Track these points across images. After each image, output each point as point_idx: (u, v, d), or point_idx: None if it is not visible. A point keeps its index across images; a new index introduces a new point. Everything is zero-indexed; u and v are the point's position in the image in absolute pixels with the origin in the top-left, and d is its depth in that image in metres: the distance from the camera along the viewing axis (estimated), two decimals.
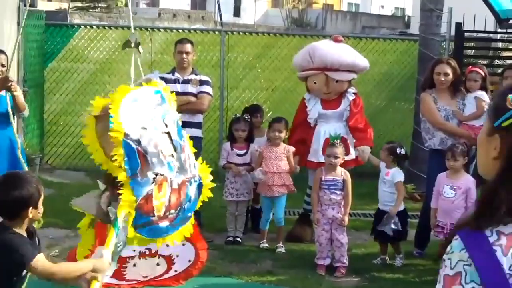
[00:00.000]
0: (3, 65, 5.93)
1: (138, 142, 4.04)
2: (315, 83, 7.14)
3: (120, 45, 10.37)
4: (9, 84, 5.72)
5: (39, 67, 10.10)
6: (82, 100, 10.43)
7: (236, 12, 42.20)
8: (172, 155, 4.18)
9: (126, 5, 38.27)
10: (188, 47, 7.06)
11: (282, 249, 6.77)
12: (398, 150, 6.44)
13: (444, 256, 1.65)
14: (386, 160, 6.48)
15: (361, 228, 7.43)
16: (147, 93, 4.44)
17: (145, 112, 4.24)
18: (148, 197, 4.08)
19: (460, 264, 1.60)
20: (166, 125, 4.26)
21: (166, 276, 5.78)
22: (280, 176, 6.83)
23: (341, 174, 6.35)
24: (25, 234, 3.45)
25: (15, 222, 3.40)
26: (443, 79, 6.64)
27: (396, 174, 6.39)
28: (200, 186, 4.34)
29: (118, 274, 5.64)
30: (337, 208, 6.25)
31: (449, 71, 6.66)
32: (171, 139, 4.22)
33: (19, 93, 5.93)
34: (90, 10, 32.44)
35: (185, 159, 4.21)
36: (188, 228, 4.32)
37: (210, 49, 10.39)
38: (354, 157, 6.94)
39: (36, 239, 3.59)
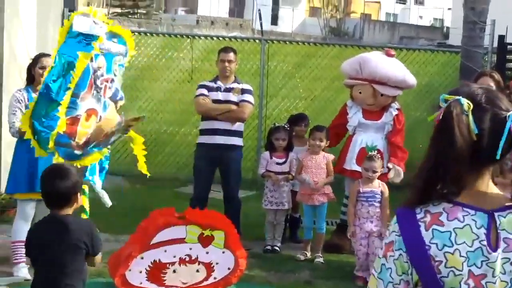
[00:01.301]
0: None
1: (95, 71, 4.44)
2: (360, 92, 7.14)
3: (161, 51, 10.54)
4: None
5: None
6: (124, 106, 10.51)
7: (274, 21, 42.25)
8: (110, 98, 4.56)
9: (165, 11, 38.63)
10: (231, 55, 7.09)
11: (321, 259, 6.74)
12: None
13: (387, 228, 2.03)
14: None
15: None
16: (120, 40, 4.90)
17: (111, 52, 4.67)
18: (75, 120, 4.46)
19: (393, 234, 1.95)
20: (115, 75, 4.61)
21: (205, 283, 5.80)
22: (323, 193, 6.83)
23: (379, 186, 6.31)
24: None
25: (65, 211, 3.57)
26: None
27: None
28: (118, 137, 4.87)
29: (158, 280, 5.68)
30: (375, 221, 6.21)
31: (492, 84, 6.57)
32: (116, 88, 4.72)
33: None
34: (129, 16, 32.74)
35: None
36: (96, 156, 4.84)
37: (250, 57, 10.43)
38: (386, 171, 6.90)
39: None
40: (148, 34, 10.95)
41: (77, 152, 4.57)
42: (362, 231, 6.18)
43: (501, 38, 9.90)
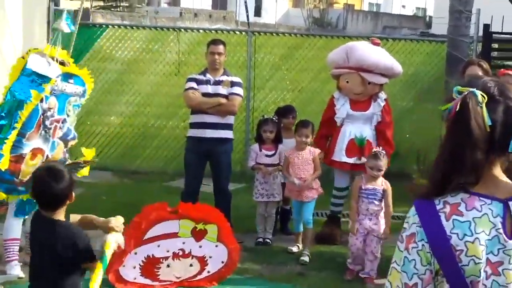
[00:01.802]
0: None
1: (44, 111, 4.51)
2: (347, 82, 7.14)
3: (147, 45, 10.50)
4: None
5: None
6: (109, 100, 10.50)
7: (257, 12, 42.18)
8: (61, 138, 4.63)
9: (148, 4, 38.42)
10: (221, 48, 7.08)
11: (306, 258, 6.61)
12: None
13: (405, 221, 2.02)
14: None
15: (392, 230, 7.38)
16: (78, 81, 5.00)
17: (66, 93, 4.76)
18: (20, 159, 4.54)
19: (413, 226, 1.98)
20: (70, 112, 4.67)
21: (199, 277, 5.82)
22: (310, 188, 6.74)
23: (382, 184, 6.21)
24: None
25: (58, 213, 3.50)
26: None
27: None
28: None
29: (152, 275, 5.69)
30: (374, 219, 6.13)
31: (480, 73, 6.60)
32: (68, 128, 4.65)
33: None
34: (112, 9, 32.54)
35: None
36: None
37: (236, 49, 10.40)
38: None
39: None
40: (133, 27, 10.87)
41: (20, 188, 4.73)
42: (361, 227, 6.12)
43: (486, 27, 9.93)
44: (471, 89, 1.97)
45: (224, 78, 7.09)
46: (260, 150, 7.18)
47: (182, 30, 10.70)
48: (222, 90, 6.99)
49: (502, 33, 10.50)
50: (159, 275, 5.72)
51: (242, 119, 10.26)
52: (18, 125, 4.57)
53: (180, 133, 10.18)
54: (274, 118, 7.30)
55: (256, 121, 9.76)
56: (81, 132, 10.39)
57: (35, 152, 4.50)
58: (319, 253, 6.75)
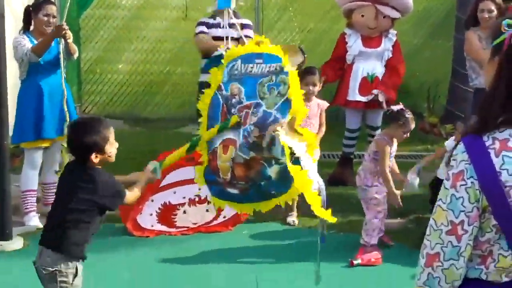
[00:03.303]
0: (54, 17, 5.94)
1: (226, 98, 4.01)
2: (362, 16, 7.07)
3: None
4: (64, 32, 5.76)
5: (74, 15, 10.07)
6: (118, 47, 10.47)
7: None
8: (258, 124, 3.99)
9: None
10: None
11: (293, 218, 6.13)
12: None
13: (451, 159, 1.99)
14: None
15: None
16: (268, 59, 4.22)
17: (251, 75, 4.09)
18: (214, 154, 4.04)
19: (462, 163, 1.95)
20: (265, 95, 4.03)
21: (215, 222, 5.87)
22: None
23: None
24: None
25: (89, 165, 3.51)
26: (487, 16, 6.52)
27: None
28: (286, 170, 4.06)
29: (168, 222, 5.76)
30: None
31: (493, 7, 6.53)
32: (264, 109, 3.91)
33: (71, 39, 5.96)
34: None
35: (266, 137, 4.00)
36: (269, 204, 4.12)
37: None
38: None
39: None
40: None
41: (231, 190, 4.06)
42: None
43: None
44: None
45: (235, 21, 7.01)
46: None
47: None
48: (233, 33, 6.92)
49: None
50: (175, 221, 5.78)
51: None
52: (204, 120, 4.16)
53: (189, 78, 10.15)
54: None
55: None
56: (91, 80, 10.44)
57: (226, 144, 4.03)
58: (332, 195, 6.71)
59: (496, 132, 1.94)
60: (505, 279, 1.96)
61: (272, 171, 3.84)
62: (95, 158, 3.47)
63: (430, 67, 10.30)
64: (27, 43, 5.81)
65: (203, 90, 6.97)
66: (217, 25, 6.93)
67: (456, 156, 1.98)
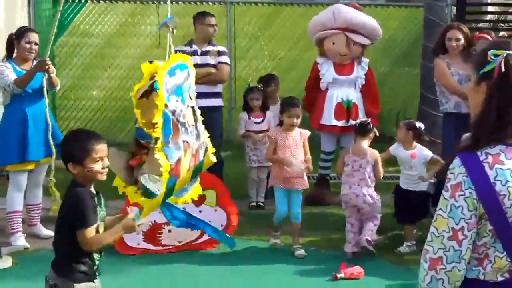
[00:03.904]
0: (36, 44, 6.07)
1: (173, 112, 4.30)
2: (333, 43, 7.35)
3: (127, 19, 10.57)
4: (47, 67, 5.89)
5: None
6: (92, 74, 10.60)
7: None
8: (193, 125, 4.36)
9: None
10: (214, 20, 7.36)
11: (302, 251, 5.93)
12: (417, 125, 6.13)
13: (448, 173, 2.22)
14: (406, 138, 6.06)
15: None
16: (180, 67, 4.58)
17: (178, 85, 4.42)
18: (178, 162, 4.35)
19: (460, 175, 2.18)
20: (191, 98, 4.43)
21: (200, 240, 6.01)
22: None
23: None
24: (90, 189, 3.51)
25: (74, 179, 3.47)
26: (454, 44, 6.82)
27: (426, 153, 6.03)
28: (205, 150, 4.49)
29: (154, 240, 5.89)
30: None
31: (460, 36, 6.83)
32: (194, 111, 4.38)
33: (54, 72, 6.11)
34: None
35: (200, 127, 4.37)
36: (196, 189, 4.42)
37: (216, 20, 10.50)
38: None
39: (101, 200, 3.61)
40: (113, 1, 10.90)
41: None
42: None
43: None
44: (508, 51, 2.20)
45: (211, 48, 7.25)
46: (249, 118, 7.38)
47: (162, 2, 10.76)
48: (211, 60, 7.16)
49: None
50: (161, 240, 5.92)
51: (224, 88, 10.35)
52: (159, 135, 4.41)
53: None
54: (259, 86, 7.52)
55: (238, 91, 9.96)
56: (65, 106, 10.52)
57: (186, 148, 4.33)
58: (311, 214, 6.93)
59: (488, 148, 2.18)
60: (500, 278, 2.20)
61: (202, 156, 4.19)
62: (72, 168, 3.44)
63: (397, 94, 10.63)
64: (10, 73, 5.92)
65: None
66: (194, 53, 7.14)
67: (453, 169, 2.20)
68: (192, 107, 4.45)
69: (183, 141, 4.35)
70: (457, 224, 2.16)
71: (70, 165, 3.45)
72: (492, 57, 2.20)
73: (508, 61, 2.18)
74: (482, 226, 2.17)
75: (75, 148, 3.46)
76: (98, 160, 3.45)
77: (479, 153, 2.18)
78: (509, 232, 2.15)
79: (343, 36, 7.30)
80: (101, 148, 3.49)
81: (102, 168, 3.48)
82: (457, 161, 2.20)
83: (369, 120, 6.22)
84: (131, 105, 10.71)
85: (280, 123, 6.09)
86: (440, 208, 2.20)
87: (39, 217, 6.32)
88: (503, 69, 2.17)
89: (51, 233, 6.22)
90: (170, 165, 4.26)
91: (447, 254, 2.16)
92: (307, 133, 6.10)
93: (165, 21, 4.60)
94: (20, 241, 5.94)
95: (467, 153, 2.20)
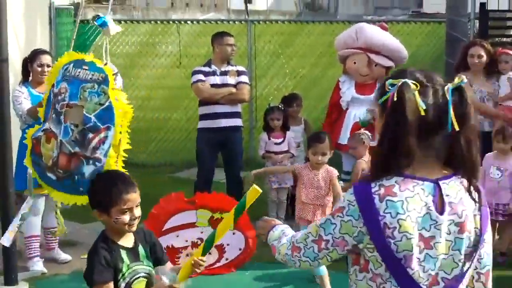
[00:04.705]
0: (48, 65, 6.06)
1: (55, 95, 4.39)
2: (354, 63, 7.23)
3: (148, 39, 10.59)
4: None
5: None
6: None
7: None
8: (77, 126, 4.26)
9: None
10: (233, 39, 7.31)
11: None
12: None
13: (341, 199, 2.26)
14: None
15: None
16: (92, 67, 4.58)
17: (77, 79, 4.44)
18: (38, 140, 4.46)
19: (346, 202, 2.20)
20: (86, 99, 4.36)
21: (218, 264, 5.94)
22: (323, 209, 5.66)
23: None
24: (120, 240, 3.21)
25: (104, 224, 3.24)
26: (477, 61, 6.74)
27: None
28: (97, 170, 4.16)
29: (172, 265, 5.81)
30: None
31: (482, 53, 6.76)
32: (84, 113, 4.26)
33: None
34: (104, 3, 32.46)
35: (92, 140, 4.20)
36: (77, 199, 4.35)
37: (236, 39, 10.47)
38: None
39: (140, 253, 3.29)
40: (134, 22, 10.95)
41: (50, 175, 4.40)
42: None
43: (483, 5, 10.04)
44: (403, 80, 2.17)
45: (230, 68, 7.22)
46: (269, 139, 7.31)
47: (182, 22, 10.78)
48: (230, 79, 7.12)
49: (498, 10, 10.60)
50: (179, 264, 5.83)
51: (245, 107, 10.32)
52: (41, 112, 4.62)
53: (185, 124, 10.31)
54: (280, 106, 7.45)
55: (259, 109, 9.90)
56: None
57: (49, 135, 4.42)
58: None
59: (384, 180, 2.17)
60: None
61: (87, 170, 4.12)
62: (98, 216, 3.19)
63: None
64: (24, 101, 5.91)
65: (201, 136, 7.22)
66: (213, 73, 7.11)
67: (344, 196, 2.25)
68: (82, 107, 4.29)
69: (48, 128, 4.43)
70: (325, 235, 2.24)
71: (95, 212, 3.18)
72: (389, 87, 2.19)
73: (402, 90, 2.15)
74: (372, 255, 2.17)
75: (101, 194, 3.17)
76: (126, 211, 3.11)
77: (373, 184, 2.17)
78: (399, 267, 2.13)
79: (365, 56, 7.18)
80: (131, 198, 3.13)
81: (131, 219, 3.14)
82: (350, 190, 2.23)
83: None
84: (152, 125, 10.79)
85: (306, 159, 5.89)
86: (319, 220, 2.32)
87: (57, 241, 6.30)
88: (395, 98, 2.15)
89: (68, 257, 6.23)
90: (32, 135, 4.52)
91: (306, 249, 2.31)
92: (334, 172, 5.73)
93: (98, 22, 4.56)
94: (38, 266, 5.92)
95: (363, 184, 2.19)
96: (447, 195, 2.17)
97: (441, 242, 2.15)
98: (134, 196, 3.16)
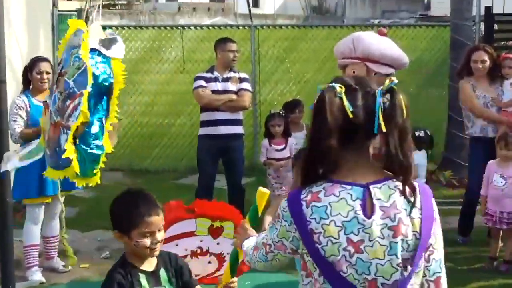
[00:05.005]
0: (47, 73, 6.03)
1: (58, 65, 4.14)
2: (354, 72, 7.16)
3: (152, 44, 10.56)
4: None
5: None
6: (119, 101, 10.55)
7: (255, 3, 42.14)
8: (61, 93, 3.95)
9: (146, 1, 38.39)
10: (236, 46, 7.25)
11: None
12: (417, 133, 6.29)
13: None
14: None
15: None
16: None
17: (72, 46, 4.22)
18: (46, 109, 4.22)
19: (281, 208, 2.24)
20: (62, 67, 4.16)
21: (218, 273, 5.85)
22: None
23: None
24: (140, 264, 3.05)
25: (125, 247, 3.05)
26: (480, 66, 6.66)
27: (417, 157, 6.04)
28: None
29: None
30: None
31: (486, 58, 6.67)
32: (65, 79, 3.94)
33: None
34: (111, 8, 32.53)
35: (69, 106, 3.85)
36: (54, 173, 4.10)
37: (240, 44, 10.44)
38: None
39: (162, 278, 3.14)
40: (137, 28, 10.93)
41: (46, 150, 4.06)
42: None
43: (488, 9, 9.96)
44: (330, 84, 2.18)
45: (232, 74, 7.16)
46: (270, 145, 7.24)
47: (186, 28, 10.75)
48: (232, 86, 7.07)
49: (503, 14, 10.51)
50: None
51: (249, 113, 10.30)
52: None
53: (188, 130, 10.28)
54: (281, 112, 7.38)
55: (263, 115, 9.84)
56: None
57: (45, 107, 4.29)
58: None
59: (313, 186, 2.18)
60: None
61: (63, 140, 3.78)
62: (118, 238, 3.00)
63: (425, 116, 10.39)
64: (20, 121, 5.83)
65: (202, 143, 7.15)
66: (215, 79, 7.07)
67: (281, 204, 2.28)
68: (64, 74, 4.00)
69: (45, 100, 4.33)
70: (269, 239, 2.33)
71: (115, 233, 3.00)
72: (318, 92, 2.21)
73: (323, 94, 2.15)
74: (308, 260, 2.19)
75: (122, 215, 2.98)
76: (147, 235, 2.93)
77: (303, 191, 2.19)
78: (332, 271, 2.13)
79: (363, 65, 7.09)
80: (153, 221, 2.94)
81: (152, 243, 2.96)
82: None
83: None
84: (156, 131, 10.79)
85: None
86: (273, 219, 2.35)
87: (56, 250, 6.26)
88: (315, 102, 2.17)
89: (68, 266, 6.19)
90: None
91: (260, 251, 2.41)
92: None
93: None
94: (36, 275, 5.87)
95: (296, 191, 2.22)
96: (378, 199, 2.14)
97: (373, 246, 2.11)
98: (157, 219, 2.97)
